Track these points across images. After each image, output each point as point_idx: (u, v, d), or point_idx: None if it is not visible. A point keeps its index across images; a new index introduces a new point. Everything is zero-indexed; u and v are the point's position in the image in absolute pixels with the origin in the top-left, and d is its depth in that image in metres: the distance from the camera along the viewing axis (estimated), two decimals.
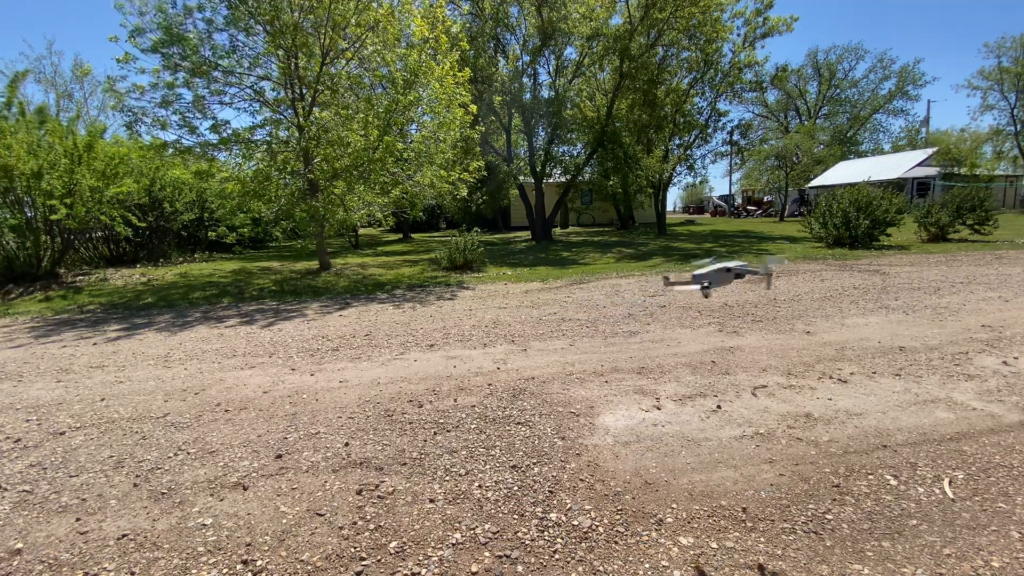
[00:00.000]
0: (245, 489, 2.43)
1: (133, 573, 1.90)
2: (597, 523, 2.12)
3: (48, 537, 2.12)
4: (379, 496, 2.35)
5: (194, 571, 1.90)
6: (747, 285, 7.80)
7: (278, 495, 2.38)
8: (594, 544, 2.00)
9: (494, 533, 2.08)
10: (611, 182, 18.82)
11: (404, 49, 10.28)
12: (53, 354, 5.09)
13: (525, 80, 18.26)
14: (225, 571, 1.90)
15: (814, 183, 32.12)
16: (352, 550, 1.99)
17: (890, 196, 13.14)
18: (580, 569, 1.87)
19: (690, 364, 4.10)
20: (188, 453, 2.82)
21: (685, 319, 5.66)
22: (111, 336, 5.85)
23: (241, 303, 7.82)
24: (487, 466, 2.60)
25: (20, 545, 2.07)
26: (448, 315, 6.39)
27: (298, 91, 9.93)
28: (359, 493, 2.38)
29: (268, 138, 10.06)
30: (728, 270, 2.24)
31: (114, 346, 5.37)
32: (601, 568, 1.87)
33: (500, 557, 1.94)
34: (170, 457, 2.78)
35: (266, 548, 2.01)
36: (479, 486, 2.42)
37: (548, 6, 16.05)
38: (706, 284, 2.21)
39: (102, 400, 3.69)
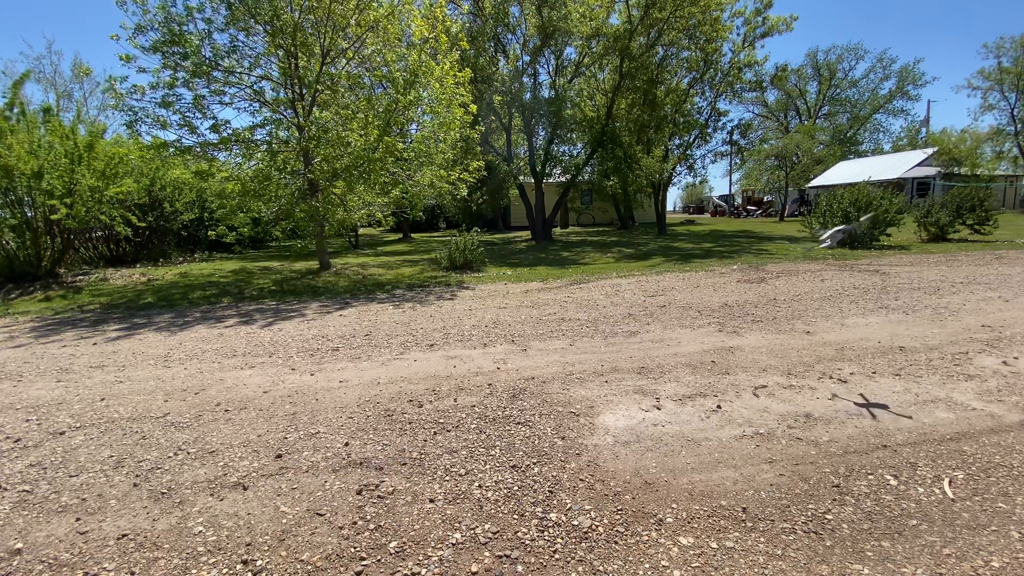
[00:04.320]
0: (245, 489, 2.43)
1: (133, 573, 1.90)
2: (597, 523, 2.12)
3: (48, 537, 2.12)
4: (379, 496, 2.35)
5: (194, 571, 1.90)
6: (747, 285, 7.80)
7: (278, 495, 2.38)
8: (594, 544, 2.00)
9: (494, 533, 2.08)
10: (611, 182, 18.83)
11: (404, 49, 10.28)
12: (53, 354, 5.09)
13: (525, 80, 18.26)
14: (225, 571, 1.90)
15: (814, 183, 32.13)
16: (352, 550, 1.99)
17: (890, 196, 13.14)
18: (580, 569, 1.87)
19: (690, 364, 4.10)
20: (188, 453, 2.82)
21: (685, 319, 5.66)
22: (111, 336, 5.85)
23: (241, 303, 7.82)
24: (487, 466, 2.60)
25: (20, 545, 2.07)
26: (448, 315, 6.39)
27: (298, 91, 9.93)
28: (359, 493, 2.38)
29: (268, 138, 10.06)
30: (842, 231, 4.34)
31: (114, 346, 5.37)
32: (601, 568, 1.87)
33: (500, 557, 1.94)
34: (170, 457, 2.78)
35: (266, 548, 2.01)
36: (479, 486, 2.42)
37: (548, 6, 16.04)
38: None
39: (102, 400, 3.69)
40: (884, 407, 3.15)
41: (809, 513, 2.15)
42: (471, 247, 10.86)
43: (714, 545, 1.97)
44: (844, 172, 32.19)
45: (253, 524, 2.17)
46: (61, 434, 3.11)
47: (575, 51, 18.60)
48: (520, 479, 2.46)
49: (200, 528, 2.15)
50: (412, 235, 23.93)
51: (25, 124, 9.38)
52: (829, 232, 3.81)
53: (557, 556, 1.94)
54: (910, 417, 3.02)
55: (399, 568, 1.89)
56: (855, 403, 3.24)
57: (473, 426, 3.06)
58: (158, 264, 13.07)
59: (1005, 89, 36.09)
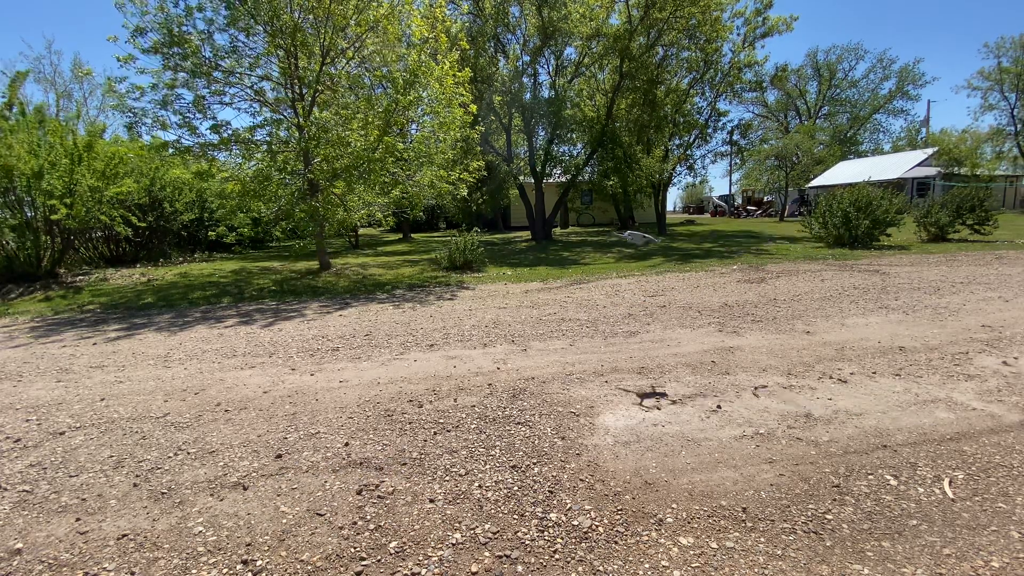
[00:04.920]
0: (245, 489, 2.43)
1: (133, 573, 1.90)
2: (597, 523, 2.12)
3: (48, 537, 2.12)
4: (379, 496, 2.35)
5: (194, 571, 1.90)
6: (747, 285, 7.80)
7: (278, 495, 2.38)
8: (594, 544, 2.00)
9: (494, 533, 2.08)
10: (611, 182, 18.83)
11: (404, 49, 10.28)
12: (53, 354, 5.09)
13: (525, 80, 18.25)
14: (225, 571, 1.90)
15: (814, 183, 32.14)
16: (352, 550, 1.99)
17: (890, 196, 13.13)
18: (580, 569, 1.87)
19: (690, 364, 4.10)
20: (188, 453, 2.82)
21: (685, 319, 5.66)
22: (111, 336, 5.85)
23: (241, 303, 7.82)
24: (487, 466, 2.60)
25: (20, 545, 2.07)
26: (448, 315, 6.39)
27: (298, 91, 9.93)
28: (359, 493, 2.38)
29: (268, 138, 10.06)
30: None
31: (114, 346, 5.37)
32: (601, 568, 1.87)
33: (500, 557, 1.94)
34: (170, 457, 2.78)
35: (266, 548, 2.01)
36: (479, 486, 2.42)
37: (548, 6, 16.04)
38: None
39: (102, 400, 3.69)
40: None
41: (809, 513, 2.15)
42: (471, 247, 10.86)
43: (714, 545, 1.97)
44: (844, 172, 32.20)
45: (253, 524, 2.17)
46: (61, 434, 3.11)
47: (575, 51, 18.61)
48: (520, 479, 2.46)
49: (200, 528, 2.15)
50: (412, 235, 23.92)
51: (25, 124, 9.39)
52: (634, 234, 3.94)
53: (557, 556, 1.94)
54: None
55: (399, 568, 1.89)
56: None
57: (473, 426, 3.06)
58: (158, 264, 13.07)
59: (1005, 89, 36.11)
